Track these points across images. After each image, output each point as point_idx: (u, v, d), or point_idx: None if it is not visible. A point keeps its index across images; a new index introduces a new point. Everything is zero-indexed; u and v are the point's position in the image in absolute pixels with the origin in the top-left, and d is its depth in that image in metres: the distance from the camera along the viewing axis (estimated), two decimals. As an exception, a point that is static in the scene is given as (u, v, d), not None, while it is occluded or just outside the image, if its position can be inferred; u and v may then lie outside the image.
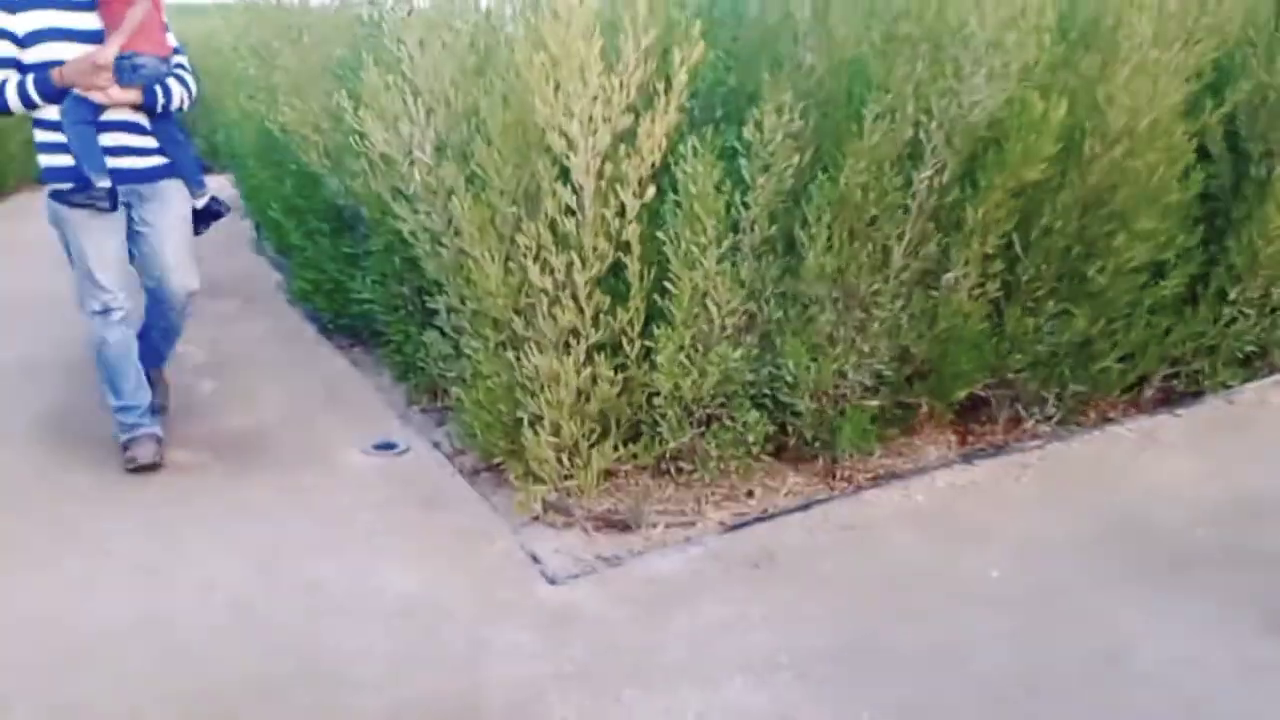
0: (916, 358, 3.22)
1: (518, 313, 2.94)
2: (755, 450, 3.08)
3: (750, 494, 3.25)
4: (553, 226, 2.79)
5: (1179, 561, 2.70)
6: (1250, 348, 3.90)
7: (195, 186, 3.56)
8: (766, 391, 3.09)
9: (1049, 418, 3.56)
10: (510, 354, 2.95)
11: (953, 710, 2.18)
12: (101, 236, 3.32)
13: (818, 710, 2.19)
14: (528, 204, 2.87)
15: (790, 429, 3.22)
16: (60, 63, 3.17)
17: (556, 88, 2.61)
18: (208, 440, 3.75)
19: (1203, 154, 3.78)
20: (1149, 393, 3.86)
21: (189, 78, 3.50)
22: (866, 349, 3.08)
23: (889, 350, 3.14)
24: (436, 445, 3.68)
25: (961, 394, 3.33)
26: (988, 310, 3.26)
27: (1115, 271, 3.37)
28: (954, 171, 2.97)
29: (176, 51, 3.48)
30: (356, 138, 3.16)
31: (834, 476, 3.31)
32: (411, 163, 3.03)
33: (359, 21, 4.16)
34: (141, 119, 3.39)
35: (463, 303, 3.14)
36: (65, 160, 3.27)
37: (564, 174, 2.76)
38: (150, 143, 3.43)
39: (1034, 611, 2.52)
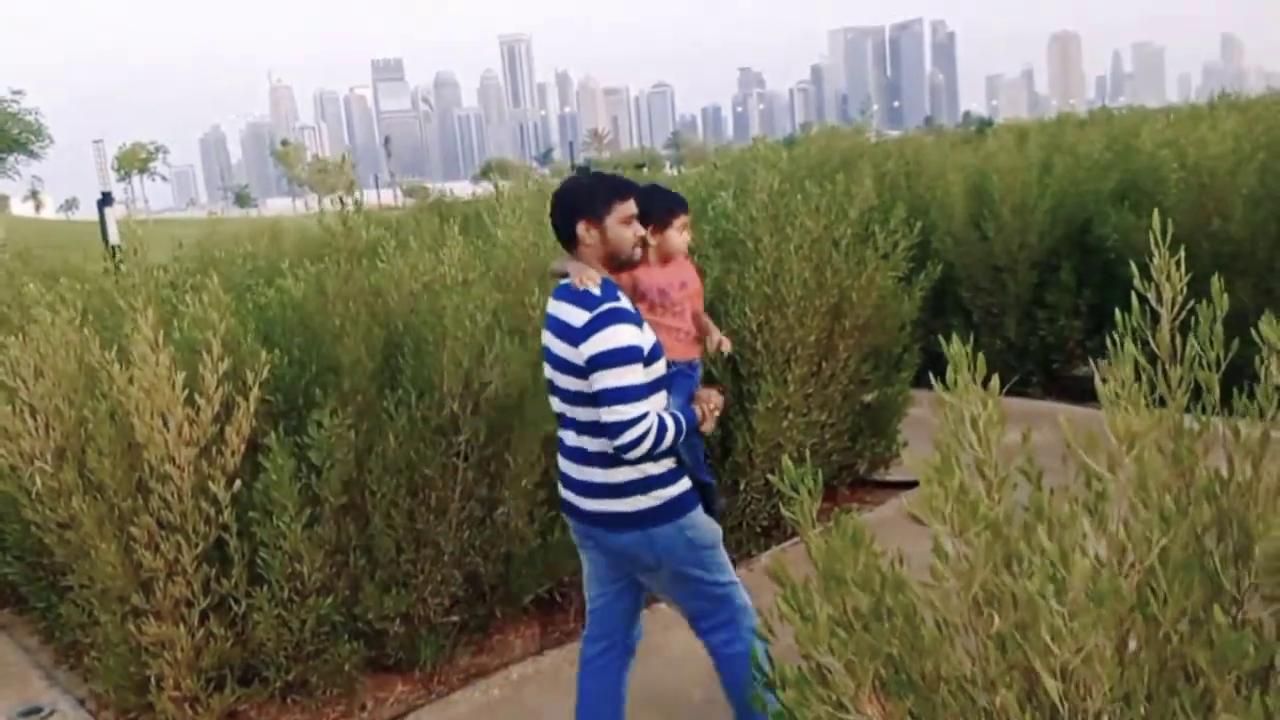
0: (485, 578, 4.05)
1: (136, 589, 3.51)
2: (354, 674, 3.76)
3: (363, 707, 3.92)
4: (159, 518, 3.42)
5: (659, 714, 3.60)
6: (765, 522, 5.04)
7: None
8: (363, 625, 3.81)
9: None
10: (132, 624, 3.51)
11: None
12: None
13: None
14: (138, 498, 3.49)
15: (389, 649, 3.94)
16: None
17: (150, 412, 3.30)
18: None
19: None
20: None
21: None
22: (439, 579, 3.87)
23: (460, 575, 3.95)
24: (82, 702, 4.10)
25: (526, 599, 4.18)
26: (539, 530, 4.15)
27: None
28: (485, 433, 3.87)
29: None
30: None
31: (434, 681, 4.04)
32: (33, 471, 3.58)
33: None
34: None
35: (90, 581, 3.67)
36: (686, 483, 2.84)
37: (166, 475, 3.42)
38: None
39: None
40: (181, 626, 3.44)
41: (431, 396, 3.77)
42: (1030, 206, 7.23)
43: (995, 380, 1.55)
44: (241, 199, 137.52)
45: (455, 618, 4.01)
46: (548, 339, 2.82)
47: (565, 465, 2.91)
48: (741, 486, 4.92)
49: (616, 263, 2.80)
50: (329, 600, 3.62)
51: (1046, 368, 7.50)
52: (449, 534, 3.86)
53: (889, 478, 5.78)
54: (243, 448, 3.45)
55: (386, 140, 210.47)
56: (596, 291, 2.69)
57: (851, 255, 5.14)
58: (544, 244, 4.66)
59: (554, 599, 4.46)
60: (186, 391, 3.36)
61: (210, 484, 3.42)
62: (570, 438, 2.86)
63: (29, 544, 4.32)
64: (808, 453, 5.10)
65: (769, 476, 4.93)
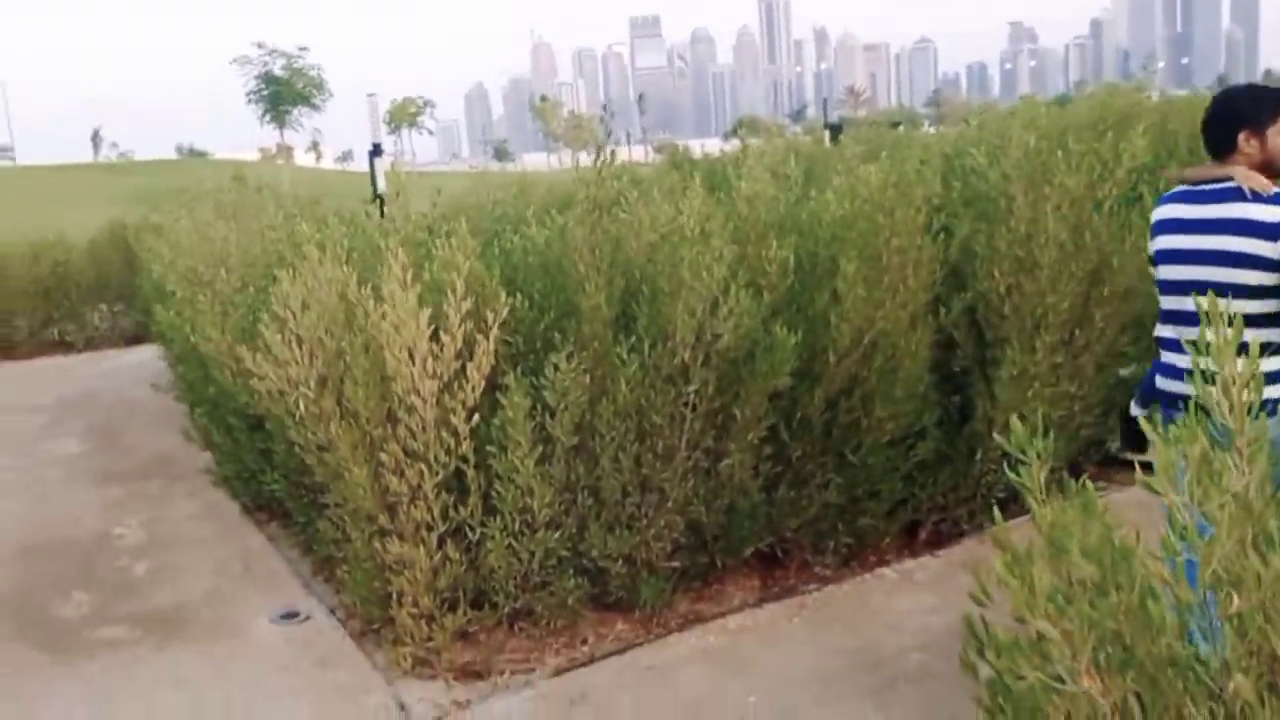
0: (708, 527, 4.08)
1: (383, 510, 3.76)
2: (578, 609, 3.89)
3: (584, 641, 4.06)
4: (405, 446, 3.64)
5: (892, 682, 3.53)
6: (1002, 494, 4.82)
7: None
8: (587, 562, 3.93)
9: (829, 564, 4.42)
10: (378, 542, 3.76)
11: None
12: None
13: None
14: (387, 427, 3.72)
15: (611, 587, 4.05)
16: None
17: (399, 347, 3.50)
18: (140, 617, 4.49)
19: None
20: (922, 536, 4.75)
21: None
22: (662, 523, 3.93)
23: (683, 522, 4.00)
24: (333, 611, 4.45)
25: (747, 551, 4.19)
26: (764, 485, 4.14)
27: (868, 447, 4.29)
28: (715, 384, 3.88)
29: None
30: (256, 379, 4.01)
31: (653, 622, 4.13)
32: (297, 396, 3.87)
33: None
34: None
35: (344, 500, 3.96)
36: None
37: (412, 406, 3.63)
38: None
39: (772, 729, 3.34)
40: (421, 548, 3.66)
41: (664, 345, 3.81)
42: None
43: (1255, 342, 1.40)
44: (500, 153, 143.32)
45: (676, 563, 4.07)
46: (1186, 239, 3.13)
47: (1171, 357, 3.19)
48: (978, 456, 4.72)
49: (1270, 171, 3.05)
50: (556, 535, 3.75)
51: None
52: (674, 481, 3.91)
53: (1146, 458, 5.38)
54: (482, 385, 3.60)
55: (640, 97, 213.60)
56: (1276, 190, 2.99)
57: (1116, 218, 4.80)
58: (785, 199, 4.61)
59: (774, 554, 4.45)
60: (432, 328, 3.54)
61: (451, 417, 3.60)
62: (1188, 332, 2.95)
63: (293, 463, 4.70)
64: (1051, 424, 4.83)
65: (999, 439, 4.71)
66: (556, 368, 3.62)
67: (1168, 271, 3.21)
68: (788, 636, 3.95)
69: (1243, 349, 2.39)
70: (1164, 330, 3.26)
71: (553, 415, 3.69)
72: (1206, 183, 3.11)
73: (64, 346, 12.11)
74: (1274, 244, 2.94)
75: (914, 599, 4.16)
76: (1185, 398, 2.89)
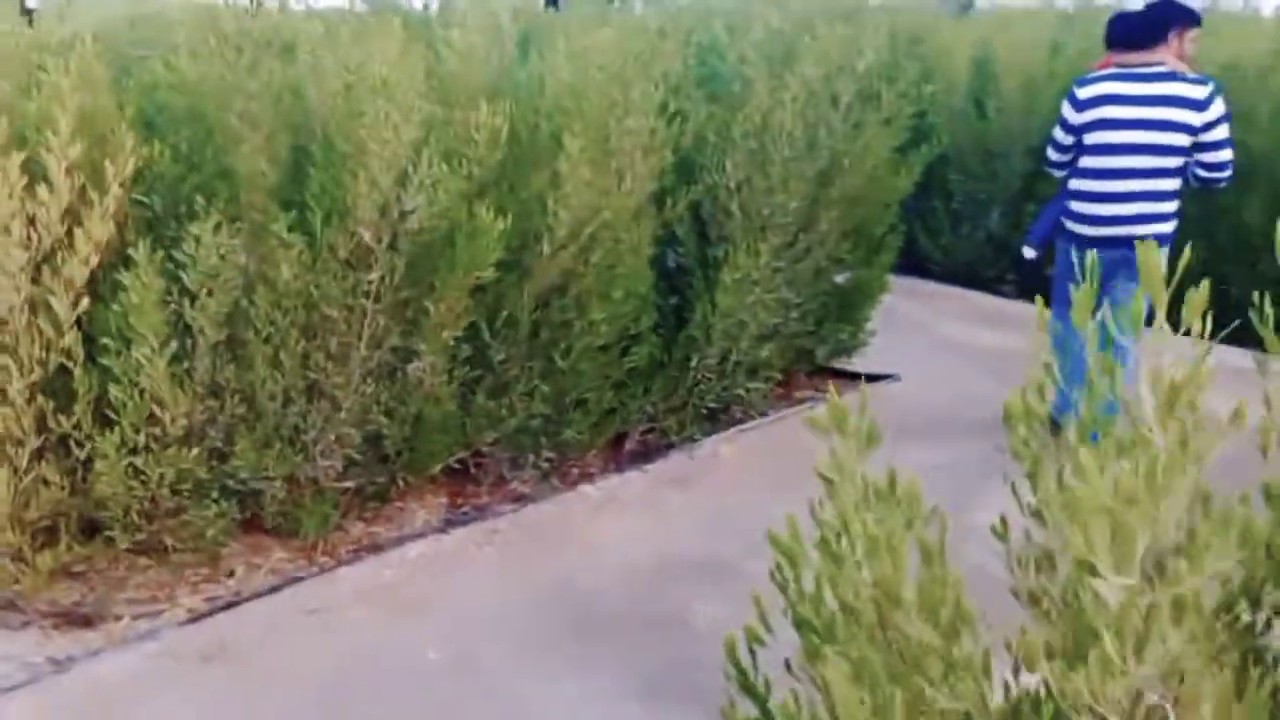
0: (390, 440, 3.45)
1: (-45, 417, 2.86)
2: (221, 539, 3.18)
3: (231, 574, 3.35)
4: (-15, 334, 2.74)
5: (590, 629, 3.10)
6: (713, 404, 4.50)
7: None
8: (236, 483, 3.20)
9: (527, 480, 3.93)
10: (-53, 460, 2.87)
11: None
12: None
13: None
14: (-40, 307, 2.80)
15: (266, 511, 3.35)
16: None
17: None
18: None
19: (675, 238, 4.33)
20: (628, 447, 4.35)
21: None
22: (333, 438, 3.26)
23: (359, 436, 3.34)
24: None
25: (435, 469, 3.61)
26: (459, 392, 3.55)
27: (580, 352, 3.79)
28: (403, 274, 3.21)
29: None
30: None
31: (316, 550, 3.48)
32: None
33: None
34: None
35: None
36: None
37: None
38: None
39: (454, 690, 2.81)
40: (5, 467, 2.80)
41: (340, 222, 3.09)
42: (1038, 88, 6.57)
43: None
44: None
45: (350, 483, 3.42)
46: (1131, 110, 4.01)
47: (1118, 208, 4.07)
48: (694, 363, 4.35)
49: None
50: (194, 453, 3.00)
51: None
52: (349, 387, 3.24)
53: (849, 367, 5.24)
54: (96, 259, 2.75)
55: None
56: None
57: (850, 116, 4.48)
58: (501, 58, 3.92)
59: (467, 469, 3.90)
60: (25, 180, 2.64)
61: (51, 299, 2.74)
62: (1135, 184, 4.03)
63: None
64: (769, 332, 4.55)
65: (727, 353, 4.37)
66: (199, 240, 2.82)
67: (1102, 136, 4.07)
68: (477, 569, 3.42)
69: (1165, 197, 4.02)
70: (1073, 183, 4.22)
71: (194, 301, 2.90)
72: (1139, 66, 4.06)
73: None
74: (1200, 114, 3.96)
75: (617, 523, 3.75)
76: (1100, 239, 4.03)
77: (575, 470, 4.14)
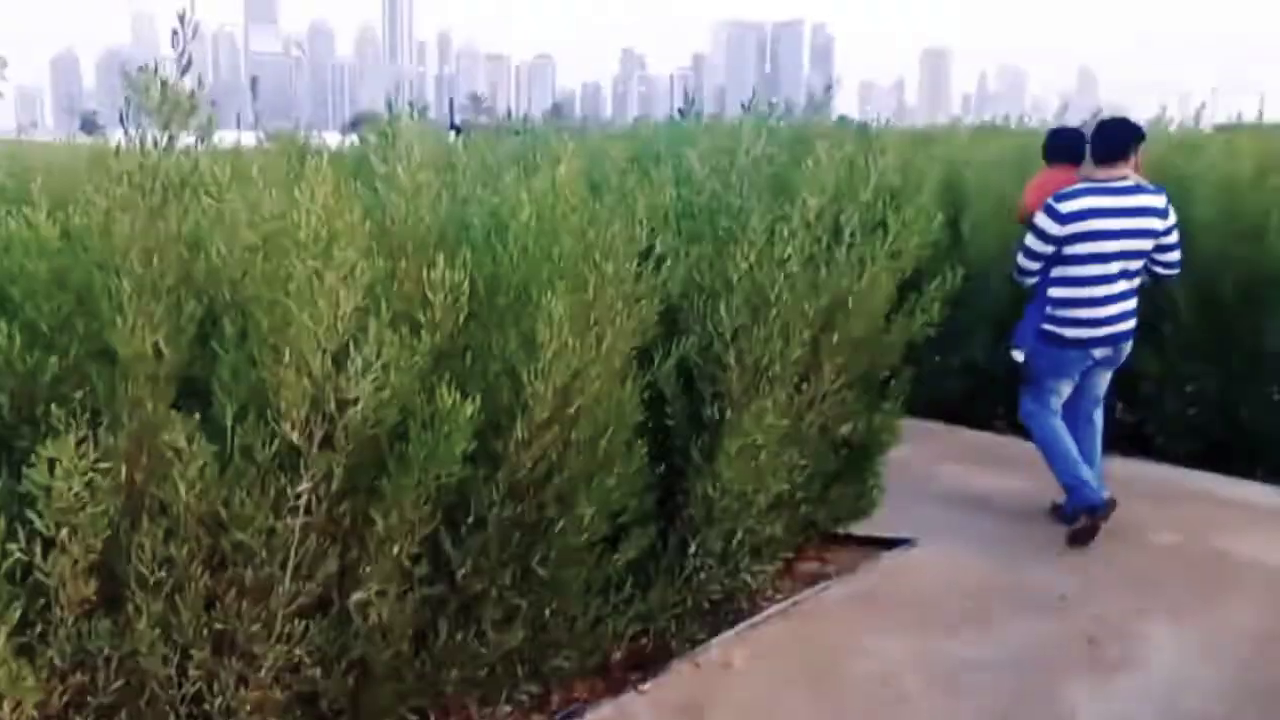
0: (327, 699, 2.61)
1: None
2: None
3: None
4: None
5: None
6: (716, 596, 3.74)
7: None
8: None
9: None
10: None
11: None
12: None
13: None
14: None
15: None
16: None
17: None
18: None
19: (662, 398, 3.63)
20: (616, 657, 3.55)
21: None
22: (248, 706, 2.42)
23: (286, 697, 2.51)
24: None
25: (387, 728, 2.76)
26: (414, 623, 2.74)
27: (563, 554, 3.02)
28: (342, 480, 2.44)
29: None
30: None
31: None
32: None
33: None
34: None
35: None
36: None
37: None
38: None
39: None
40: None
41: (259, 418, 2.33)
42: (1012, 207, 6.12)
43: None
44: (87, 124, 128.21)
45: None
46: (1111, 222, 4.40)
47: (1105, 311, 4.49)
48: (692, 549, 3.61)
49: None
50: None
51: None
52: (269, 635, 2.42)
53: (861, 533, 4.54)
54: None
55: (254, 80, 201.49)
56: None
57: (854, 250, 3.88)
58: (455, 194, 3.25)
59: (425, 717, 3.04)
60: None
61: None
62: (1119, 287, 4.47)
63: None
64: (780, 503, 3.84)
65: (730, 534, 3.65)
66: (56, 465, 2.02)
67: (1090, 247, 4.43)
68: None
69: (1136, 295, 4.56)
70: (1057, 292, 4.58)
71: (48, 550, 2.08)
72: (1112, 181, 4.47)
73: None
74: (1163, 221, 4.48)
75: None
76: (1091, 340, 4.52)
77: (557, 697, 3.32)
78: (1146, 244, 4.46)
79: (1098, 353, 4.55)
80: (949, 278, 4.05)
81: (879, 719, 3.21)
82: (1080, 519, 4.47)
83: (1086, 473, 4.53)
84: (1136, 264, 4.47)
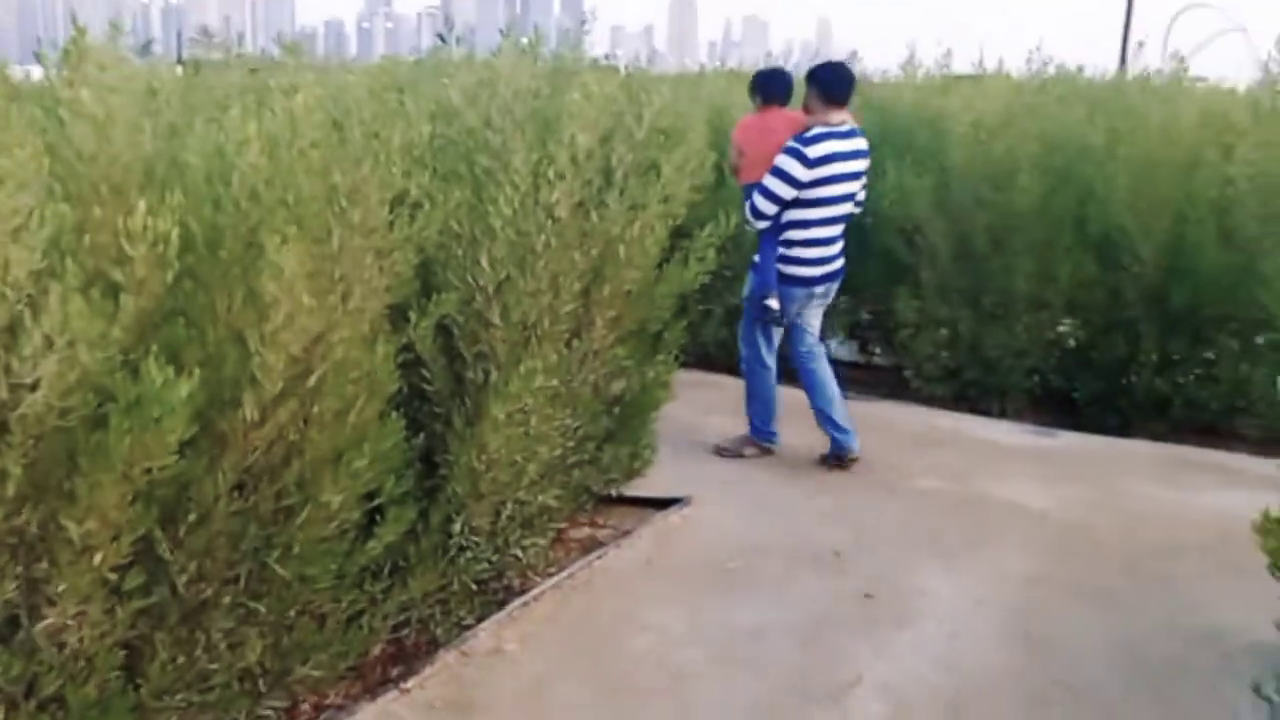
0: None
1: None
2: None
3: None
4: None
5: None
6: (485, 575, 3.44)
7: None
8: None
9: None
10: None
11: None
12: None
13: None
14: None
15: None
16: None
17: None
18: None
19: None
20: (375, 651, 3.19)
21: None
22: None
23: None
24: None
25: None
26: (123, 645, 2.28)
27: (309, 544, 2.62)
28: (21, 482, 1.95)
29: None
30: None
31: None
32: None
33: None
34: None
35: None
36: None
37: None
38: None
39: None
40: None
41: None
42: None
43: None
44: None
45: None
46: (844, 165, 4.55)
47: (823, 251, 4.69)
48: (457, 527, 3.27)
49: None
50: None
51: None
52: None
53: (634, 493, 4.33)
54: None
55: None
56: None
57: (627, 195, 3.61)
58: (158, 125, 2.70)
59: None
60: None
61: None
62: (841, 227, 4.72)
63: None
64: (552, 469, 3.57)
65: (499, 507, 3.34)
66: None
67: (824, 191, 4.53)
68: None
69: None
70: (795, 234, 4.63)
71: None
72: (838, 125, 4.53)
73: None
74: (867, 161, 4.70)
75: None
76: (820, 278, 4.70)
77: (307, 705, 2.93)
78: (859, 186, 4.67)
79: (819, 289, 4.73)
80: (723, 222, 3.84)
81: (658, 701, 3.01)
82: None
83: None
84: (850, 205, 4.66)
